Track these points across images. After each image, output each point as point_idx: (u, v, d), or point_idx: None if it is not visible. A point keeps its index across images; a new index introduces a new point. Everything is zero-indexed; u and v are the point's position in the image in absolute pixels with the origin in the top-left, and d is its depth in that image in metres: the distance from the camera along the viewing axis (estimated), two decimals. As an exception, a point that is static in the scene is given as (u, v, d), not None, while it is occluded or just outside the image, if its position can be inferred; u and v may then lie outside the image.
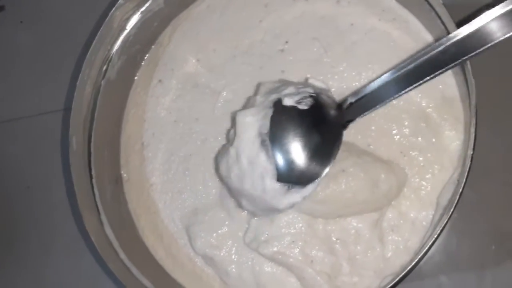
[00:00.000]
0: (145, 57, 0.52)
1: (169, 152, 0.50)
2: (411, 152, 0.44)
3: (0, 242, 0.64)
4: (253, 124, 0.40)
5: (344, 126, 0.41)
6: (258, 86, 0.45)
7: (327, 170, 0.40)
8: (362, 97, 0.40)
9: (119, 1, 0.46)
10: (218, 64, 0.50)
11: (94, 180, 0.46)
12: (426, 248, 0.38)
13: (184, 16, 0.52)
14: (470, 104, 0.38)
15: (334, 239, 0.44)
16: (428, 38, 0.46)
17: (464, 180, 0.37)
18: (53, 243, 0.62)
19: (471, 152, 0.37)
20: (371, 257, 0.44)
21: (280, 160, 0.39)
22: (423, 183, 0.44)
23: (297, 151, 0.39)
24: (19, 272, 0.63)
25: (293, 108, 0.39)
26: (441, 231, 0.38)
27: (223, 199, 0.47)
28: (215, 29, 0.50)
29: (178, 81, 0.51)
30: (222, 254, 0.46)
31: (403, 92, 0.38)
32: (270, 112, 0.39)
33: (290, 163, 0.39)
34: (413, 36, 0.46)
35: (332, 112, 0.41)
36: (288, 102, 0.39)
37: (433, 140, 0.44)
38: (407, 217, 0.44)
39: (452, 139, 0.43)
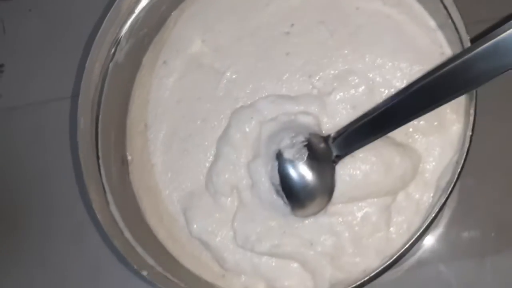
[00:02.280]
0: (152, 41, 0.52)
1: (170, 132, 0.51)
2: (415, 135, 0.45)
3: (9, 227, 0.66)
4: (265, 174, 0.45)
5: (334, 161, 0.44)
6: (232, 115, 0.48)
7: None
8: (344, 132, 0.43)
9: (127, -15, 0.47)
10: (223, 45, 0.50)
11: (100, 160, 0.47)
12: (422, 229, 0.38)
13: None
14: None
15: (338, 221, 0.45)
16: (431, 24, 0.46)
17: (462, 162, 0.37)
18: (61, 227, 0.63)
19: (470, 133, 0.37)
20: (375, 238, 0.44)
21: (294, 204, 0.45)
22: (427, 166, 0.45)
23: (306, 196, 0.44)
24: (27, 256, 0.64)
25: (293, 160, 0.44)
26: (438, 212, 0.38)
27: (207, 183, 0.48)
28: (222, 11, 0.51)
29: (183, 61, 0.51)
30: (217, 240, 0.47)
31: (390, 130, 0.40)
32: (276, 165, 0.44)
33: (302, 205, 0.45)
34: (416, 21, 0.46)
35: (323, 151, 0.44)
36: (288, 155, 0.44)
37: (435, 123, 0.44)
38: (412, 199, 0.45)
39: (453, 122, 0.44)
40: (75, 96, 0.64)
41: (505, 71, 0.33)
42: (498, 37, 0.32)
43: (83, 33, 0.65)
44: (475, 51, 0.34)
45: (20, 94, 0.69)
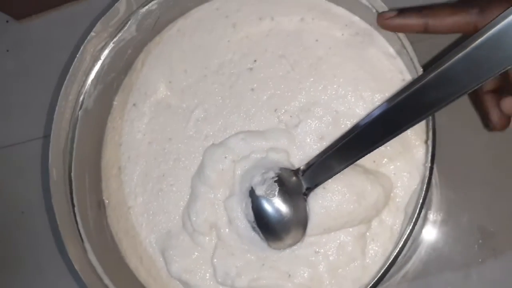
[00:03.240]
0: (122, 83, 0.53)
1: (143, 174, 0.51)
2: (382, 161, 0.45)
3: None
4: (241, 211, 0.46)
5: (305, 194, 0.45)
6: (204, 154, 0.49)
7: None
8: (313, 164, 0.44)
9: (91, 34, 0.47)
10: (189, 85, 0.51)
11: (76, 209, 0.47)
12: (394, 255, 0.39)
13: (156, 41, 0.53)
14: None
15: (314, 252, 0.45)
16: (391, 51, 0.46)
17: (425, 190, 0.38)
18: (48, 266, 0.64)
19: (429, 165, 0.37)
20: (351, 267, 0.45)
21: (270, 238, 0.46)
22: (396, 191, 0.45)
23: (281, 229, 0.45)
24: None
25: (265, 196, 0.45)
26: (407, 240, 0.39)
27: (185, 222, 0.48)
28: (186, 51, 0.51)
29: (151, 103, 0.52)
30: (197, 278, 0.47)
31: (356, 159, 0.41)
32: (249, 202, 0.45)
33: (278, 238, 0.45)
34: (376, 49, 0.47)
35: (294, 184, 0.45)
36: (259, 192, 0.45)
37: (401, 149, 0.45)
38: (386, 225, 0.45)
39: (418, 147, 0.44)
40: (47, 136, 0.65)
41: (458, 97, 0.34)
42: (445, 65, 0.34)
43: (55, 70, 0.67)
44: (424, 80, 0.35)
45: (10, 133, 0.70)
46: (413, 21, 0.39)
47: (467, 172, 0.55)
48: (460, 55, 0.33)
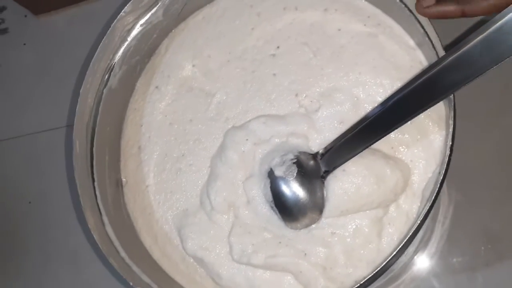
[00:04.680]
0: (145, 67, 0.54)
1: (163, 154, 0.52)
2: (400, 148, 0.46)
3: (3, 256, 0.66)
4: (260, 191, 0.47)
5: (323, 176, 0.45)
6: (225, 136, 0.50)
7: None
8: (331, 148, 0.45)
9: (121, 14, 0.49)
10: (212, 69, 0.52)
11: (96, 183, 0.48)
12: (408, 237, 0.39)
13: (181, 27, 0.54)
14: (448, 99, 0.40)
15: (331, 233, 0.46)
16: (411, 43, 0.48)
17: (444, 171, 0.39)
18: (54, 256, 0.65)
19: (450, 143, 0.38)
20: (367, 250, 0.45)
21: (287, 218, 0.47)
22: (413, 177, 0.46)
23: (298, 210, 0.46)
24: (22, 285, 0.65)
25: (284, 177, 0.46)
26: (423, 221, 0.39)
27: (203, 201, 0.49)
28: (210, 37, 0.53)
29: (174, 86, 0.53)
30: (212, 256, 0.48)
31: (374, 141, 0.42)
32: (268, 183, 0.46)
33: (295, 219, 0.46)
34: (397, 40, 0.48)
35: (312, 167, 0.46)
36: (278, 173, 0.46)
37: (418, 136, 0.46)
38: (402, 210, 0.46)
39: (435, 135, 0.45)
40: (70, 125, 0.66)
41: (473, 80, 0.35)
42: (464, 48, 0.35)
43: (76, 63, 0.68)
44: (443, 64, 0.36)
45: (15, 125, 0.71)
46: (451, 8, 0.40)
47: (474, 176, 0.56)
48: (479, 38, 0.34)
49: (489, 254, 0.54)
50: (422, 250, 0.57)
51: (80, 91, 0.48)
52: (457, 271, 0.55)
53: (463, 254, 0.55)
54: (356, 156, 0.43)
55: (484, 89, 0.51)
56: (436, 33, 0.42)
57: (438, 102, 0.38)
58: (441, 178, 0.39)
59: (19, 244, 0.67)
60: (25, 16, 0.74)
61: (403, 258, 0.56)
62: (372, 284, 0.41)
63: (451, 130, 0.39)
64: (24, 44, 0.74)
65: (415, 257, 0.57)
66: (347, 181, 0.44)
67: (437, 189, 0.39)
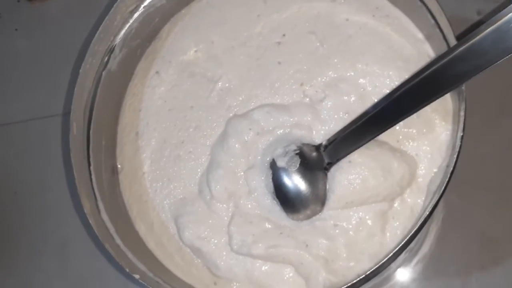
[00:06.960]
0: (145, 52, 0.53)
1: (162, 140, 0.51)
2: (405, 142, 0.46)
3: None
4: (260, 182, 0.46)
5: (326, 168, 0.45)
6: (228, 124, 0.49)
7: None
8: (335, 140, 0.44)
9: (125, -8, 0.48)
10: (215, 55, 0.51)
11: (91, 167, 0.47)
12: (413, 231, 0.39)
13: (183, 12, 0.53)
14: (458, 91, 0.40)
15: (333, 225, 0.45)
16: (419, 36, 0.47)
17: (453, 164, 0.38)
18: (42, 248, 0.63)
19: (461, 134, 0.38)
20: (369, 243, 0.44)
21: (288, 209, 0.46)
22: (419, 171, 0.45)
23: (300, 202, 0.45)
24: (9, 276, 0.63)
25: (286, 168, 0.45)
26: (430, 215, 0.38)
27: (202, 190, 0.48)
28: (214, 23, 0.52)
29: (175, 71, 0.52)
30: (210, 246, 0.47)
31: (379, 133, 0.41)
32: (270, 174, 0.46)
33: (296, 210, 0.46)
34: (404, 33, 0.47)
35: (315, 159, 0.45)
36: (281, 164, 0.45)
37: (424, 130, 0.45)
38: (406, 204, 0.45)
39: (442, 129, 0.45)
40: (66, 113, 0.64)
41: (482, 70, 0.35)
42: (475, 39, 0.34)
43: (71, 48, 0.67)
44: (454, 53, 0.35)
45: (9, 112, 0.69)
46: None
47: (471, 178, 0.55)
48: (491, 28, 0.33)
49: (484, 257, 0.54)
50: (416, 253, 0.56)
51: (80, 71, 0.47)
52: (451, 273, 0.54)
53: (457, 257, 0.55)
54: (363, 148, 0.42)
55: (482, 91, 0.51)
56: (449, 22, 0.41)
57: (447, 92, 0.37)
58: (450, 170, 0.39)
59: (5, 236, 0.65)
60: (18, 1, 0.73)
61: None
62: (367, 283, 0.40)
63: (462, 121, 0.38)
64: (16, 29, 0.72)
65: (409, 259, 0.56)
66: (353, 173, 0.44)
67: (445, 182, 0.39)
